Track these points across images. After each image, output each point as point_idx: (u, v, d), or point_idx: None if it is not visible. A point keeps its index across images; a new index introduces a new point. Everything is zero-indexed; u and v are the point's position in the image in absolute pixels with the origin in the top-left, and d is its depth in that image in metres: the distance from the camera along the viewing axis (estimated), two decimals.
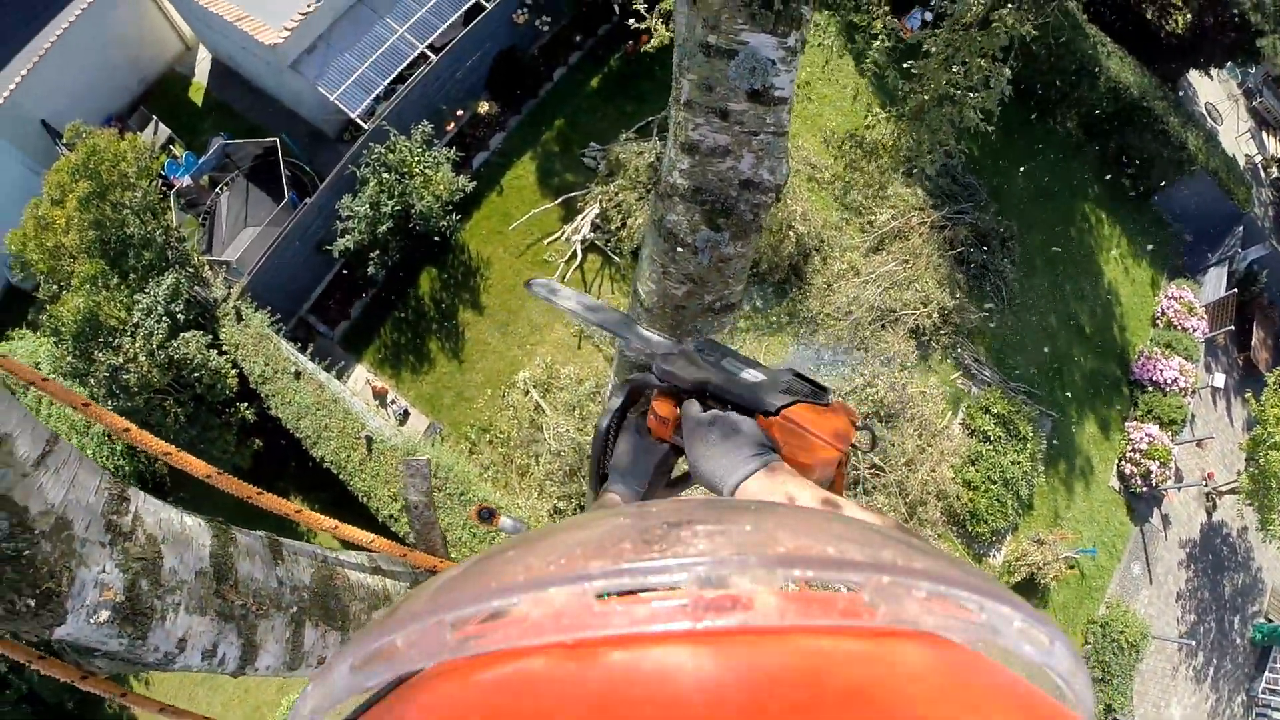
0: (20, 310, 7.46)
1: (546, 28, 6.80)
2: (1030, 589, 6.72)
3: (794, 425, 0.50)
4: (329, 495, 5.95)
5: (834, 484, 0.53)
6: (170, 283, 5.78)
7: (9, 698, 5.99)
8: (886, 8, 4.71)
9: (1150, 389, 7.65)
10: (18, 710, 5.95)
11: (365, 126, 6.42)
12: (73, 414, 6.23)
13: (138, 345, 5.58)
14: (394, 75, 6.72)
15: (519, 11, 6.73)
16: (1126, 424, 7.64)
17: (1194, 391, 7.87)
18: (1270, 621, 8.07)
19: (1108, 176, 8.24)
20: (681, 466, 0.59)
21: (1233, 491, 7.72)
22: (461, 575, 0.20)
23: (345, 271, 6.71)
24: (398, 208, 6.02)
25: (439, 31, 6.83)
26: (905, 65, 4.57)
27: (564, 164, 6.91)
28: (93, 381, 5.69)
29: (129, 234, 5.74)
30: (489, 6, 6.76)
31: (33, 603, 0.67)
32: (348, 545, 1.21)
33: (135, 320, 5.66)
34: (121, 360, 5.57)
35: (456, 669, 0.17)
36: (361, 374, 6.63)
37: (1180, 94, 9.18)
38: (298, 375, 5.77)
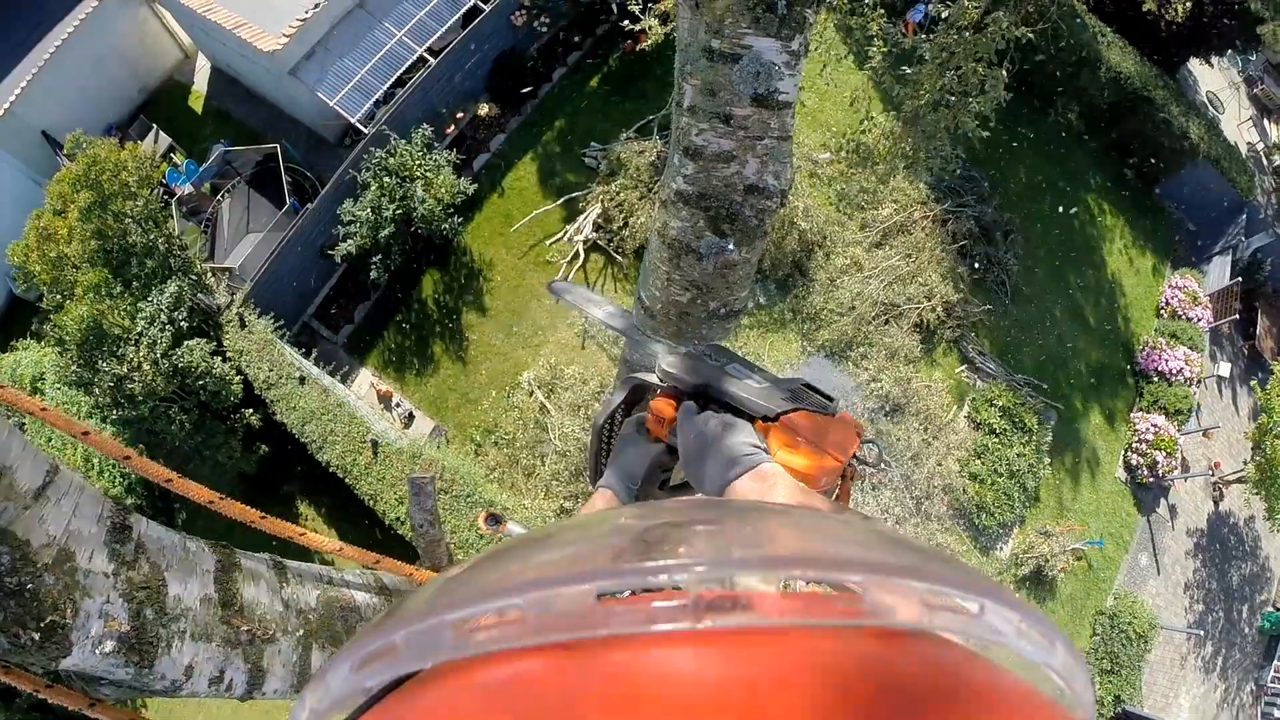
0: (24, 321, 7.49)
1: (545, 28, 6.80)
2: (1038, 581, 6.71)
3: (792, 432, 0.49)
4: (335, 499, 5.96)
5: (839, 495, 0.52)
6: (173, 290, 5.80)
7: (19, 705, 6.03)
8: (882, 11, 4.68)
9: (1155, 379, 7.62)
10: (28, 717, 5.99)
11: (365, 131, 6.42)
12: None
13: (142, 354, 5.59)
14: (393, 79, 6.72)
15: (517, 13, 6.72)
16: (1132, 414, 7.61)
17: (1199, 381, 7.83)
18: (1279, 610, 8.05)
19: (1118, 170, 8.18)
20: (680, 474, 0.59)
21: (1239, 481, 7.69)
22: (461, 576, 0.20)
23: (348, 276, 6.72)
24: (399, 211, 6.02)
25: (437, 34, 6.83)
26: (900, 71, 4.55)
27: (565, 164, 6.91)
28: (97, 391, 5.71)
29: (131, 243, 5.75)
30: (487, 8, 6.76)
31: (37, 636, 0.66)
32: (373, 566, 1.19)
33: (139, 329, 5.67)
34: (126, 369, 5.58)
35: (456, 669, 0.17)
36: (366, 378, 6.64)
37: (1181, 83, 9.13)
38: (302, 380, 5.78)
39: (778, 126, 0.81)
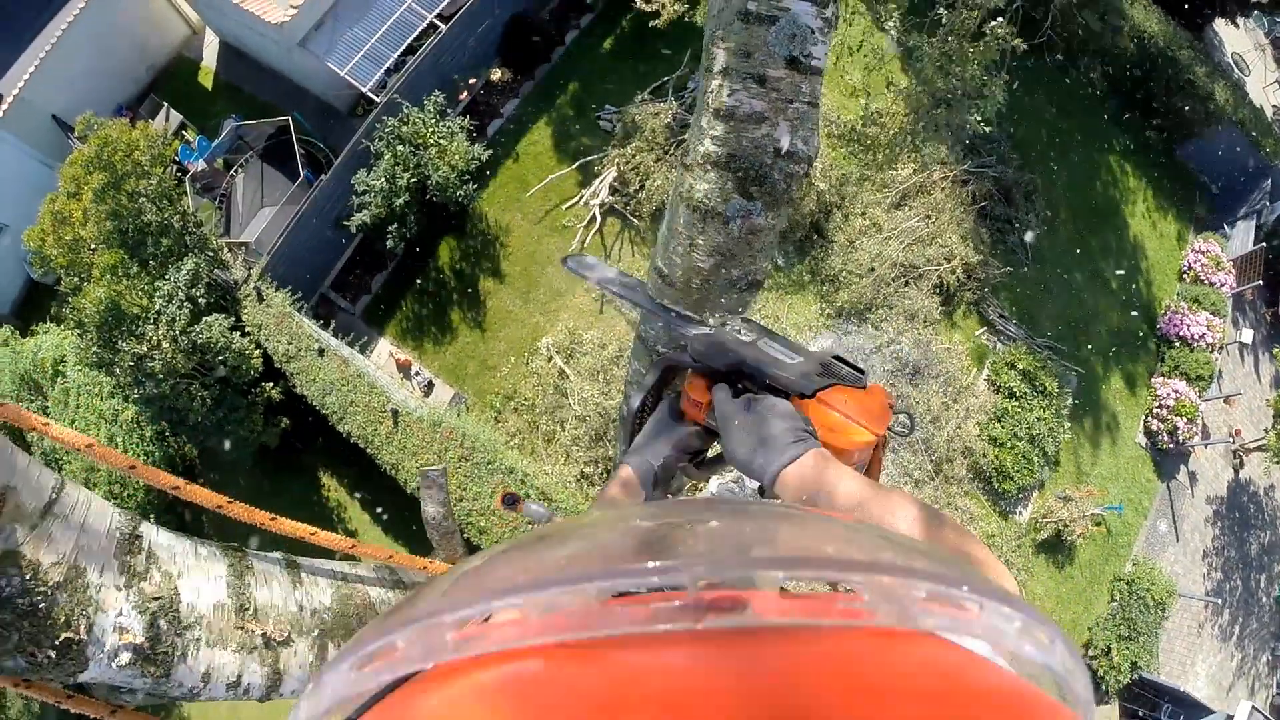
0: (43, 305, 7.56)
1: None
2: (1057, 546, 6.70)
3: (830, 408, 0.49)
4: (358, 469, 6.02)
5: (870, 467, 0.52)
6: (190, 268, 5.82)
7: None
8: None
9: (1177, 344, 7.52)
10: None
11: (377, 100, 6.38)
12: (101, 404, 6.30)
13: (161, 332, 5.63)
14: (404, 47, 6.65)
15: None
16: (1153, 380, 7.52)
17: (1221, 347, 7.73)
18: None
19: (1141, 132, 8.01)
20: (716, 449, 0.58)
21: (1260, 449, 7.61)
22: (462, 576, 0.20)
23: (364, 246, 6.71)
24: (414, 180, 5.99)
25: (447, 0, 6.74)
26: (910, 46, 4.50)
27: (579, 128, 6.83)
28: (118, 371, 5.76)
29: (146, 222, 5.76)
30: None
31: (54, 654, 0.66)
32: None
33: (157, 307, 5.71)
34: (145, 348, 5.62)
35: (457, 670, 0.17)
36: (385, 347, 6.66)
37: (1206, 44, 8.87)
38: (321, 352, 5.81)
39: (808, 91, 0.81)
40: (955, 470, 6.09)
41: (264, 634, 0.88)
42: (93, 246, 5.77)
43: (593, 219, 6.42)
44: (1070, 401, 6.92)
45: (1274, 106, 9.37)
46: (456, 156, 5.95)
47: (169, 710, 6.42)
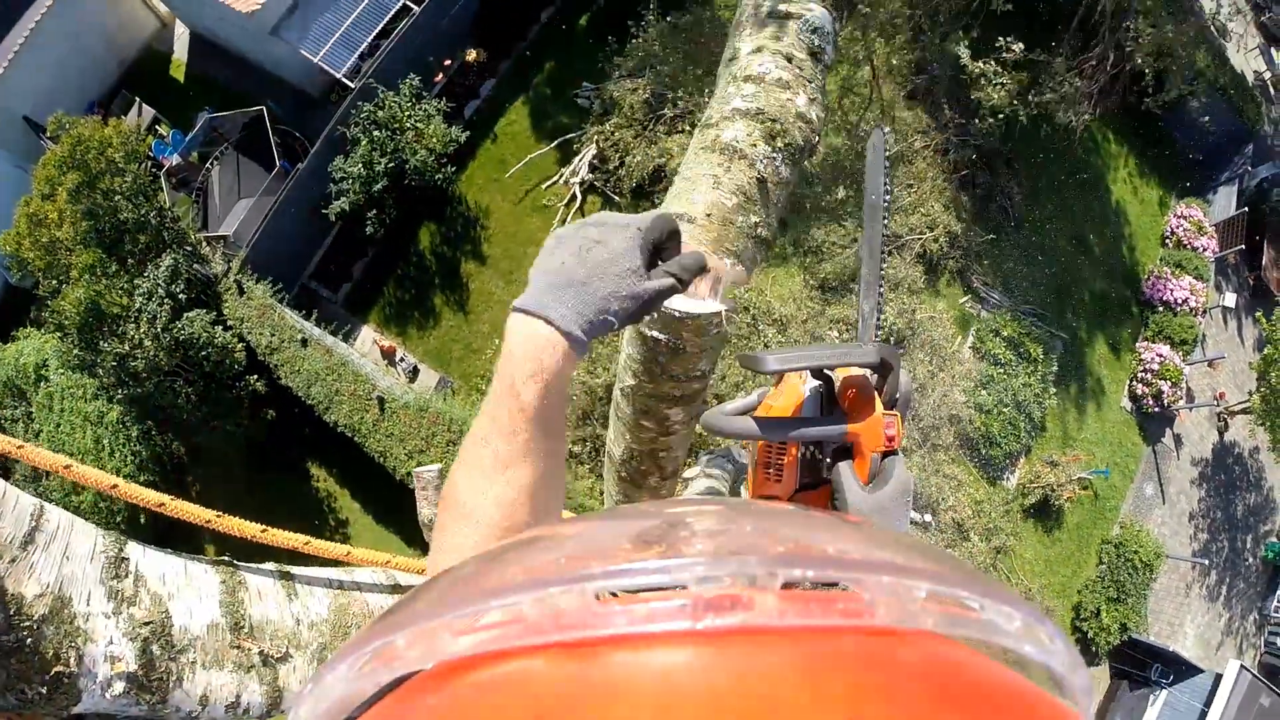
0: (23, 309, 7.46)
1: None
2: (1044, 510, 6.78)
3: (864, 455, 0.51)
4: (346, 458, 6.01)
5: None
6: (169, 264, 5.75)
7: None
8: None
9: (1160, 309, 7.59)
10: None
11: (352, 86, 6.29)
12: (86, 407, 6.23)
13: (142, 330, 5.58)
14: (378, 30, 6.56)
15: None
16: (1137, 344, 7.60)
17: (1205, 311, 7.80)
18: None
19: (1122, 97, 7.98)
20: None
21: (1245, 411, 7.71)
22: (462, 576, 0.20)
23: (344, 234, 6.65)
24: (391, 165, 5.94)
25: None
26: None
27: (557, 106, 6.78)
28: (101, 372, 5.71)
29: (123, 220, 5.69)
30: None
31: (44, 689, 0.64)
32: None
33: (137, 305, 5.65)
34: (128, 347, 5.57)
35: (457, 669, 0.17)
36: (368, 335, 6.63)
37: (1186, 8, 8.86)
38: (304, 342, 5.78)
39: (820, 81, 0.98)
40: (942, 438, 6.14)
41: (261, 652, 0.86)
42: (70, 247, 5.69)
43: (573, 197, 6.39)
44: (1055, 367, 6.98)
45: (1255, 72, 9.38)
46: (434, 139, 5.89)
47: None
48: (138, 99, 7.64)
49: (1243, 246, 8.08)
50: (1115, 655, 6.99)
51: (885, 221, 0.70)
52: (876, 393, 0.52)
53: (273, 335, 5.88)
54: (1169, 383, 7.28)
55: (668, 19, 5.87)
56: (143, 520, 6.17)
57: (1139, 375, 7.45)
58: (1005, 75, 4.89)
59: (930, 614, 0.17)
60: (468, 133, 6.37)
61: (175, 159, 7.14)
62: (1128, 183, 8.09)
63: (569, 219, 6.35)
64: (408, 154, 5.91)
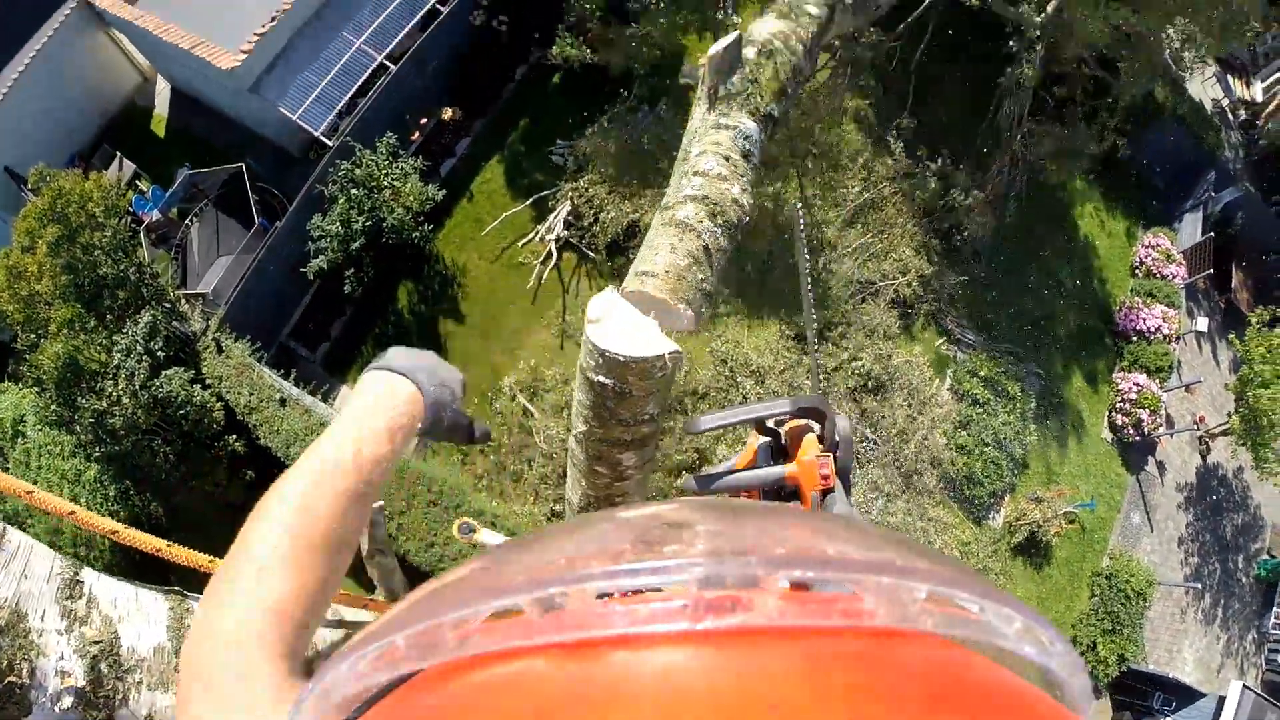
0: (0, 363, 7.38)
1: (504, 27, 6.75)
2: (1032, 547, 6.77)
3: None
4: None
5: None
6: (147, 321, 5.73)
7: None
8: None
9: (1135, 338, 7.71)
10: None
11: (330, 143, 6.36)
12: (63, 464, 6.16)
13: (120, 387, 5.53)
14: (355, 88, 6.66)
15: (475, 13, 6.67)
16: (1114, 375, 7.69)
17: (1178, 337, 7.93)
18: (1273, 557, 8.17)
19: None
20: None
21: (1225, 433, 7.79)
22: (461, 576, 0.21)
23: (322, 292, 6.66)
24: (369, 223, 5.98)
25: (396, 40, 6.77)
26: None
27: (532, 163, 6.88)
28: (79, 429, 5.64)
29: (102, 275, 5.68)
30: (444, 10, 6.71)
31: None
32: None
33: (116, 362, 5.60)
34: (105, 404, 5.52)
35: (457, 669, 0.17)
36: (347, 394, 6.60)
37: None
38: (283, 402, 5.74)
39: (750, 175, 1.29)
40: (925, 482, 6.15)
41: None
42: (49, 301, 5.66)
43: (549, 254, 6.44)
44: (1034, 403, 7.05)
45: (1212, 100, 9.71)
46: (410, 198, 5.95)
47: None
48: (119, 153, 7.68)
49: (1211, 271, 8.26)
50: (1115, 687, 6.92)
51: (810, 288, 0.95)
52: (817, 438, 0.57)
53: (251, 394, 5.84)
54: (1148, 411, 7.36)
55: (610, 124, 6.04)
56: (110, 553, 5.99)
57: (1117, 405, 7.52)
58: (930, 176, 5.28)
59: (930, 615, 0.17)
60: (444, 191, 6.43)
61: (155, 215, 7.16)
62: (1094, 216, 8.28)
63: (545, 275, 6.40)
64: (385, 212, 5.96)
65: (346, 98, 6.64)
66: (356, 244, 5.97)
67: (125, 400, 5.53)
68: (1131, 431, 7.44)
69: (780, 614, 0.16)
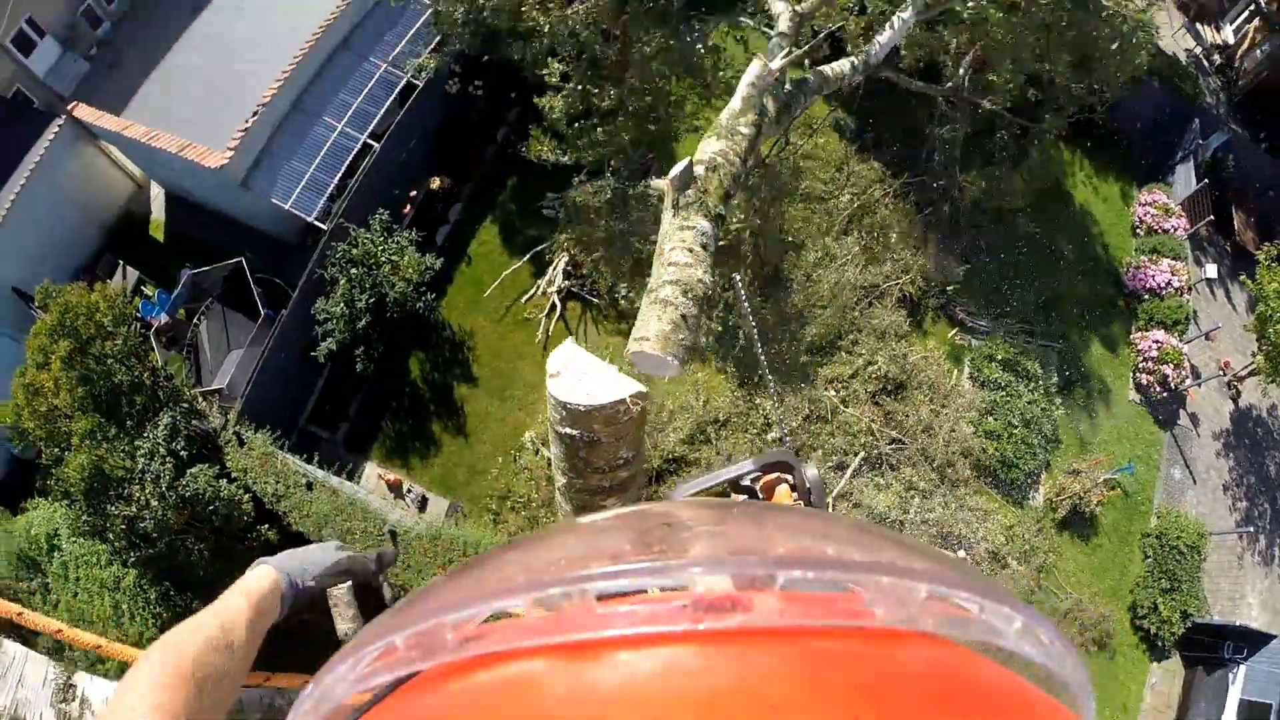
0: (28, 480, 7.48)
1: (480, 91, 6.89)
2: (1077, 520, 6.64)
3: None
4: (365, 596, 5.89)
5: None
6: (167, 422, 5.79)
7: None
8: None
9: (1146, 297, 7.63)
10: None
11: (324, 228, 6.48)
12: (101, 573, 6.18)
13: (148, 491, 5.56)
14: (342, 170, 6.80)
15: (450, 82, 6.82)
16: (1132, 336, 7.60)
17: (1190, 288, 7.84)
18: None
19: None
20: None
21: (1253, 373, 7.65)
22: (462, 577, 0.21)
23: (336, 373, 6.73)
24: (372, 300, 6.06)
25: (377, 118, 6.93)
26: None
27: (525, 220, 6.97)
28: (111, 536, 5.67)
29: (117, 382, 5.76)
30: (420, 84, 6.86)
31: None
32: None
33: (140, 466, 5.65)
34: (135, 509, 5.55)
35: (457, 670, 0.17)
36: (372, 470, 6.62)
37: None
38: (310, 486, 5.77)
39: (709, 261, 1.81)
40: (959, 473, 6.07)
41: None
42: (68, 414, 5.73)
43: (553, 306, 6.48)
44: (1055, 378, 6.97)
45: (1185, 50, 9.70)
46: (410, 270, 6.03)
47: None
48: (121, 262, 7.85)
49: (1212, 217, 8.18)
50: (1183, 644, 6.72)
51: (760, 349, 1.28)
52: (790, 488, 0.64)
53: (277, 483, 5.87)
54: (1171, 365, 7.25)
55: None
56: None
57: (1140, 366, 7.42)
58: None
59: (930, 615, 0.17)
60: (441, 259, 6.52)
61: (163, 318, 7.29)
62: (1087, 184, 8.25)
63: (551, 328, 6.43)
64: (386, 287, 6.03)
65: (335, 181, 6.78)
66: (362, 322, 6.04)
67: (154, 503, 5.57)
68: (1158, 389, 7.32)
69: (780, 614, 0.16)
